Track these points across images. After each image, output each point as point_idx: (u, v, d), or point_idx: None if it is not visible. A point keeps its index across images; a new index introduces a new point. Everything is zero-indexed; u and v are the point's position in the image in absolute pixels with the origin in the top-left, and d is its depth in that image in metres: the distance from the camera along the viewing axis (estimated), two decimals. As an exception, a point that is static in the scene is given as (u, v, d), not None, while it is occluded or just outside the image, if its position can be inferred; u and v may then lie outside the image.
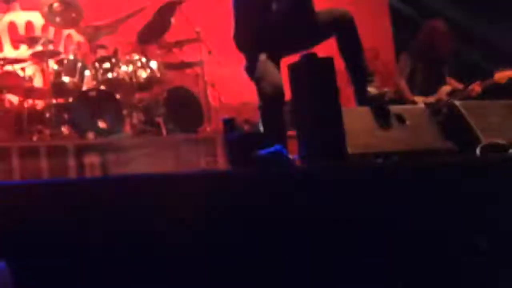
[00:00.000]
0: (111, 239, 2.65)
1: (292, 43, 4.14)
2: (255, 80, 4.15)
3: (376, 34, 9.70)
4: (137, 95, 7.10)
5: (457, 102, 4.17)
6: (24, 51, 6.88)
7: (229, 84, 8.19)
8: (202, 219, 2.82)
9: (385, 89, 4.20)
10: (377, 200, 3.10)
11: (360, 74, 4.11)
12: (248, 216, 2.94)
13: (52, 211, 2.59)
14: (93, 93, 6.49)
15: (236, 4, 4.17)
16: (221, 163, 6.03)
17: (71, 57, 6.89)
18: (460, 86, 6.49)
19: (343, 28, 4.07)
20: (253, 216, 2.94)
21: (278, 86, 4.08)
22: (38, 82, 6.75)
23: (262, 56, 4.03)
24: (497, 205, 3.30)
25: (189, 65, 7.67)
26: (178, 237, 2.72)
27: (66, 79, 6.67)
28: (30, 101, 6.67)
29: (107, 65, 6.80)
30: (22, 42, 6.84)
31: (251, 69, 4.14)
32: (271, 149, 3.94)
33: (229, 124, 4.66)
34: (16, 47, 7.07)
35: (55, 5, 6.85)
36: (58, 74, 6.68)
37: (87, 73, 6.77)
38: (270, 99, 4.11)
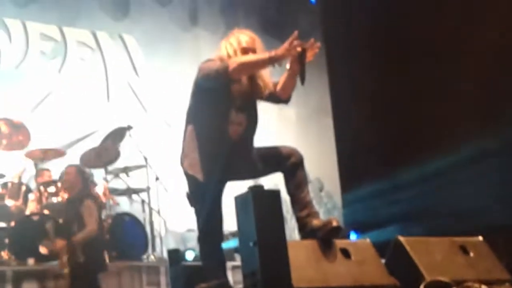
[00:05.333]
0: None
1: (239, 170, 4.13)
2: (195, 210, 4.11)
3: (321, 165, 9.89)
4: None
5: (401, 238, 4.18)
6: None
7: (174, 211, 8.17)
8: None
9: (330, 217, 4.18)
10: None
11: (304, 208, 4.11)
12: None
13: None
14: (36, 217, 6.36)
15: (189, 128, 4.11)
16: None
17: (16, 180, 6.80)
18: None
19: (291, 165, 4.11)
20: None
21: (216, 219, 4.06)
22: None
23: (205, 183, 3.98)
24: None
25: (136, 191, 7.65)
26: None
27: (9, 202, 6.56)
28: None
29: (52, 189, 6.71)
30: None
31: (192, 197, 4.10)
32: (215, 282, 3.90)
33: (173, 254, 4.60)
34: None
35: (2, 127, 6.82)
36: (1, 197, 6.57)
37: (31, 196, 6.67)
38: (207, 231, 4.07)
